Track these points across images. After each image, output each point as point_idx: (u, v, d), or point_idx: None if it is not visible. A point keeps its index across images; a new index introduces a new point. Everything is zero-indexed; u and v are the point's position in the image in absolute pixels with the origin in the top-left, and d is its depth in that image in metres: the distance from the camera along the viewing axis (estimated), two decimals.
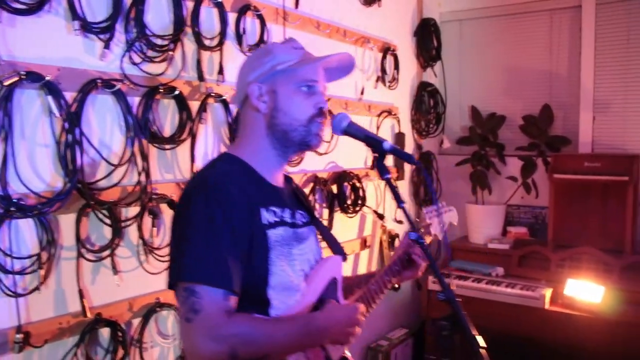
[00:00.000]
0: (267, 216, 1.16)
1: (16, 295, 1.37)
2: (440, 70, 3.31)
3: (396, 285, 1.48)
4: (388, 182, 1.15)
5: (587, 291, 2.47)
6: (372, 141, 1.17)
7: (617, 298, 2.42)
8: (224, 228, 1.06)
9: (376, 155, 1.17)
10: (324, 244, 1.40)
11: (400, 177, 2.96)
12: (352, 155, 2.57)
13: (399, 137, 2.92)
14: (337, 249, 1.39)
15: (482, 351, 1.06)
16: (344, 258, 1.39)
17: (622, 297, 2.42)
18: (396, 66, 2.89)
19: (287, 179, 1.37)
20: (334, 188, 2.40)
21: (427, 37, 3.15)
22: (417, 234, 1.10)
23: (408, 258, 1.42)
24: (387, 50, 2.80)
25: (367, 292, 1.35)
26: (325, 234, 1.40)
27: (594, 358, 2.49)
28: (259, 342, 1.04)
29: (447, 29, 3.34)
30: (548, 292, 2.54)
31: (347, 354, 1.34)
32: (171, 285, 1.08)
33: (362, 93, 2.64)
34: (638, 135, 2.81)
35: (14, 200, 1.34)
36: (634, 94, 2.81)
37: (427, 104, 3.21)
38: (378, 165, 1.16)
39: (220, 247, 1.06)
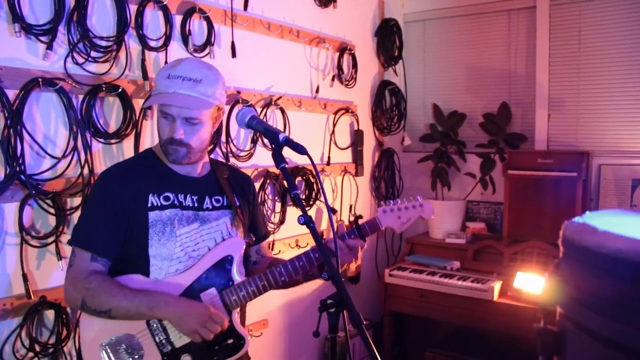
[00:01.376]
0: (153, 200, 1.43)
1: None
2: (402, 69, 3.40)
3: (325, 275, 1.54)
4: (283, 170, 1.26)
5: (533, 283, 2.55)
6: (270, 134, 1.29)
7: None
8: (101, 206, 1.40)
9: (273, 146, 1.27)
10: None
11: (359, 173, 3.06)
12: (284, 156, 2.66)
13: (358, 134, 3.02)
14: (256, 230, 1.63)
15: (363, 327, 1.15)
16: (257, 241, 1.62)
17: None
18: (354, 65, 2.99)
19: (214, 168, 1.57)
20: (286, 183, 2.50)
21: (388, 37, 3.25)
22: (305, 218, 1.20)
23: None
24: (344, 49, 2.90)
25: (269, 272, 1.46)
26: (246, 217, 1.59)
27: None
28: (102, 298, 1.34)
29: (411, 29, 3.44)
30: (497, 285, 2.62)
31: (236, 324, 1.47)
32: (70, 245, 1.45)
33: (317, 91, 2.74)
34: (590, 133, 2.89)
35: None
36: (586, 92, 2.89)
37: (389, 102, 3.30)
38: (275, 155, 1.27)
39: (95, 220, 1.40)
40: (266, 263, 1.63)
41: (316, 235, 1.21)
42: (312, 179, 2.62)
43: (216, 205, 1.52)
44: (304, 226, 1.21)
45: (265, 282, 1.46)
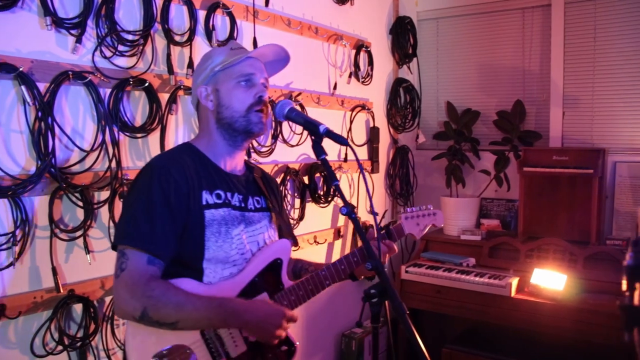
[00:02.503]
0: (208, 198, 1.32)
1: None
2: (416, 66, 3.41)
3: (355, 275, 1.55)
4: (324, 162, 1.26)
5: (551, 280, 2.56)
6: (310, 125, 1.28)
7: (579, 286, 2.51)
8: (159, 202, 1.23)
9: (313, 137, 1.27)
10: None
11: (375, 170, 3.06)
12: (324, 148, 2.67)
13: (373, 131, 3.02)
14: (287, 234, 1.54)
15: (406, 316, 1.16)
16: (294, 243, 1.53)
17: (584, 285, 2.51)
18: (370, 63, 3.00)
19: (250, 168, 1.52)
20: (306, 179, 2.50)
21: (402, 35, 3.26)
22: (347, 208, 1.21)
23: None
24: (360, 47, 2.91)
25: (315, 276, 1.44)
26: (280, 220, 1.53)
27: (556, 343, 2.58)
28: (168, 308, 1.18)
29: (424, 27, 3.45)
30: (515, 281, 2.63)
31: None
32: (113, 247, 1.29)
33: (334, 88, 2.74)
34: (604, 130, 2.90)
35: None
36: (601, 90, 2.90)
37: (403, 100, 3.31)
38: (315, 147, 1.27)
39: (152, 217, 1.22)
40: (291, 265, 1.59)
41: (357, 225, 1.21)
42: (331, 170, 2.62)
43: (257, 206, 1.45)
44: (345, 216, 1.21)
45: (313, 286, 1.42)
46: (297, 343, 1.45)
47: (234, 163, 1.44)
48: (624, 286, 0.60)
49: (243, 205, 1.40)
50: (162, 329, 1.21)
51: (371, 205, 1.24)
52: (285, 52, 1.44)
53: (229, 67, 1.35)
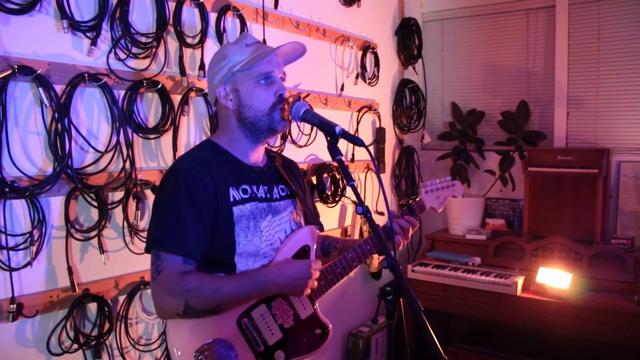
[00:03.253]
0: (234, 194, 1.35)
1: (10, 269, 1.51)
2: (422, 67, 3.44)
3: (380, 267, 1.58)
4: (340, 162, 1.28)
5: (556, 278, 2.58)
6: (326, 126, 1.30)
7: (584, 285, 2.53)
8: (188, 205, 1.27)
9: (329, 138, 1.30)
10: None
11: (381, 170, 3.09)
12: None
13: (380, 131, 3.05)
14: (313, 219, 1.56)
15: (421, 313, 1.18)
16: (320, 228, 1.57)
17: (589, 284, 2.54)
18: (376, 64, 3.02)
19: (270, 157, 1.55)
20: (314, 179, 2.53)
21: (408, 36, 3.28)
22: (363, 208, 1.23)
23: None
24: (367, 48, 2.93)
25: (342, 259, 1.47)
26: (305, 205, 1.55)
27: (561, 341, 2.60)
28: (208, 295, 1.23)
29: (429, 28, 3.47)
30: (520, 280, 2.65)
31: (319, 312, 1.46)
32: (147, 251, 1.33)
33: (342, 89, 2.77)
34: (609, 130, 2.92)
35: (8, 183, 1.49)
36: (605, 90, 2.92)
37: (409, 101, 3.34)
38: (331, 147, 1.29)
39: (183, 221, 1.27)
40: (319, 243, 1.61)
41: (373, 224, 1.23)
42: (337, 176, 2.64)
43: (282, 194, 1.47)
44: (361, 215, 1.24)
45: (341, 269, 1.45)
46: (330, 326, 1.48)
47: (257, 156, 1.46)
48: None
49: (269, 195, 1.43)
50: (207, 316, 1.26)
51: (385, 200, 1.25)
52: (302, 47, 1.47)
53: (248, 68, 1.37)
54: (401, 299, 1.23)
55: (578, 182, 2.79)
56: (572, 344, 2.60)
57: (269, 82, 1.38)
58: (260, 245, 1.36)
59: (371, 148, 3.06)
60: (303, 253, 1.44)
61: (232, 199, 1.33)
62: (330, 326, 1.48)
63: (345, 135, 1.28)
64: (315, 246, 1.48)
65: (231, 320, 1.31)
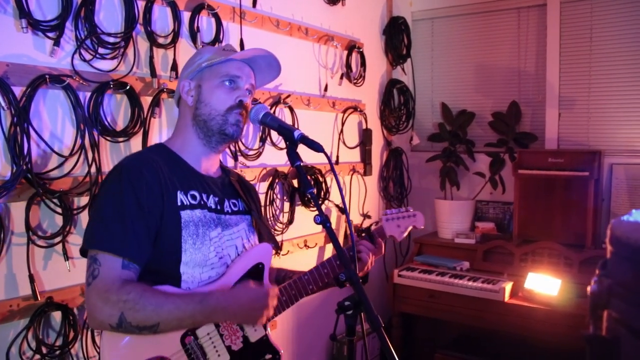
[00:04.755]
0: (182, 198, 1.27)
1: None
2: (411, 67, 3.37)
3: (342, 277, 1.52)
4: (298, 169, 1.22)
5: (545, 284, 2.52)
6: (285, 131, 1.25)
7: (573, 291, 2.47)
8: (131, 204, 1.18)
9: (287, 143, 1.24)
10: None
11: (368, 172, 3.02)
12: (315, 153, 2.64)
13: (366, 133, 2.98)
14: (268, 238, 1.48)
15: (382, 330, 1.12)
16: (276, 248, 1.49)
17: (578, 290, 2.47)
18: (362, 63, 2.96)
19: (225, 171, 1.48)
20: (295, 182, 2.47)
21: (396, 35, 3.21)
22: (321, 217, 1.17)
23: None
24: (352, 48, 2.87)
25: (297, 280, 1.42)
26: (260, 225, 1.48)
27: (550, 348, 2.54)
28: (147, 310, 1.11)
29: (419, 27, 3.40)
30: (508, 286, 2.59)
31: (270, 336, 1.39)
32: (82, 252, 1.22)
33: (325, 90, 2.70)
34: (601, 132, 2.85)
35: None
36: (597, 91, 2.85)
37: (397, 101, 3.27)
38: (289, 153, 1.23)
39: (124, 220, 1.17)
40: (274, 272, 1.55)
41: (332, 234, 1.17)
42: (320, 178, 2.58)
43: (234, 209, 1.40)
44: (320, 225, 1.17)
45: (296, 292, 1.39)
46: (282, 351, 1.41)
47: (209, 165, 1.39)
48: (589, 314, 0.56)
49: (219, 207, 1.35)
50: (143, 334, 1.14)
51: (346, 214, 1.19)
52: (275, 60, 1.41)
53: (216, 64, 1.32)
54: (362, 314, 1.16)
55: (569, 185, 2.72)
56: (561, 352, 2.52)
57: (233, 86, 1.33)
58: (209, 254, 1.27)
59: (357, 150, 2.99)
60: (256, 271, 1.36)
61: (179, 203, 1.25)
62: (282, 351, 1.40)
63: (304, 140, 1.22)
64: (269, 265, 1.41)
65: (175, 337, 1.21)
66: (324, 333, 2.80)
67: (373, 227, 1.60)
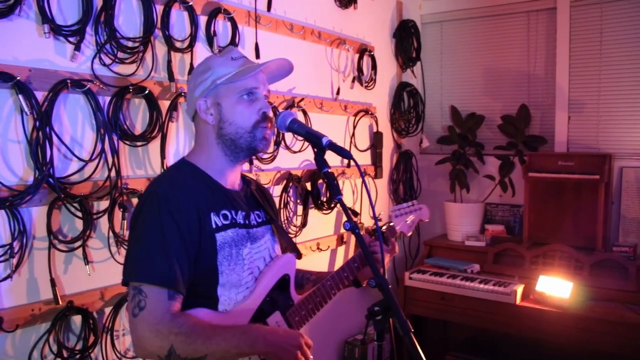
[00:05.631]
0: (216, 220, 1.26)
1: None
2: (420, 70, 3.38)
3: (359, 281, 1.54)
4: (327, 175, 1.23)
5: (556, 287, 2.52)
6: (312, 137, 1.25)
7: (585, 294, 2.47)
8: (172, 234, 1.17)
9: (315, 150, 1.24)
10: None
11: (378, 175, 3.03)
12: (327, 154, 2.64)
13: (377, 136, 2.99)
14: (291, 247, 1.48)
15: (411, 334, 1.13)
16: (298, 256, 1.48)
17: (590, 293, 2.48)
18: (373, 67, 2.97)
19: (246, 181, 1.46)
20: (308, 185, 2.48)
21: (406, 39, 3.22)
22: (351, 224, 1.17)
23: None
24: (363, 51, 2.88)
25: (321, 287, 1.43)
26: (281, 233, 1.48)
27: (561, 351, 2.55)
28: (197, 343, 1.12)
29: (428, 30, 3.41)
30: (520, 288, 2.59)
31: None
32: (124, 283, 1.20)
33: (337, 93, 2.71)
34: (611, 135, 2.86)
35: None
36: (607, 94, 2.86)
37: (407, 104, 3.28)
38: (318, 159, 1.24)
39: (168, 251, 1.16)
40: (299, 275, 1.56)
41: (361, 240, 1.18)
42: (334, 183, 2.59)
43: (259, 220, 1.39)
44: (349, 231, 1.18)
45: (320, 298, 1.40)
46: None
47: (234, 177, 1.37)
48: None
49: (247, 222, 1.34)
50: None
51: (375, 220, 1.19)
52: (289, 64, 1.39)
53: (232, 82, 1.29)
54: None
55: (579, 188, 2.73)
56: (573, 355, 2.54)
57: (252, 99, 1.29)
58: (243, 274, 1.28)
59: (368, 153, 3.00)
60: (283, 282, 1.38)
61: (214, 225, 1.24)
62: None
63: (332, 146, 1.23)
64: (294, 275, 1.43)
65: None
66: (335, 335, 2.81)
67: (383, 228, 1.60)
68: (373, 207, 1.16)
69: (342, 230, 2.82)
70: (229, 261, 1.25)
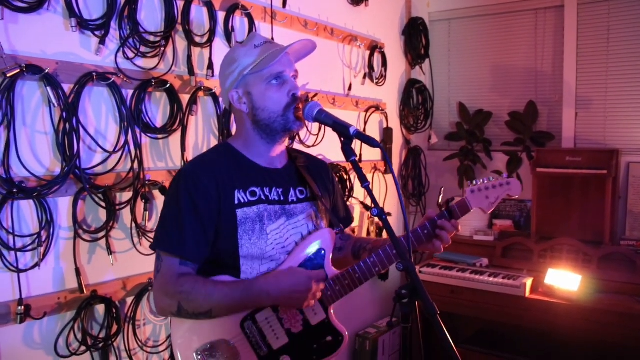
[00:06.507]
0: (240, 197, 1.34)
1: (18, 270, 1.50)
2: (429, 67, 3.42)
3: (400, 266, 1.46)
4: (354, 163, 1.26)
5: (565, 280, 2.56)
6: (340, 127, 1.28)
7: (593, 286, 2.51)
8: (187, 209, 1.29)
9: (343, 139, 1.28)
10: None
11: (388, 170, 3.06)
12: (334, 152, 2.68)
13: (387, 132, 3.03)
14: (334, 221, 1.50)
15: (437, 316, 1.16)
16: (340, 229, 1.49)
17: (598, 286, 2.52)
18: (384, 64, 3.00)
19: (293, 158, 1.49)
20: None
21: (415, 36, 3.26)
22: (378, 210, 1.21)
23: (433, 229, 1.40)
24: (374, 48, 2.91)
25: (363, 264, 1.38)
26: (330, 207, 1.51)
27: (570, 343, 2.58)
28: (199, 299, 1.25)
29: (436, 28, 3.45)
30: (529, 282, 2.63)
31: (333, 319, 1.41)
32: (152, 249, 1.38)
33: (349, 89, 2.75)
34: (618, 131, 2.90)
35: (16, 183, 1.47)
36: (614, 90, 2.90)
37: (416, 101, 3.32)
38: (345, 148, 1.27)
39: (181, 224, 1.29)
40: (350, 246, 1.57)
41: (388, 225, 1.21)
42: (345, 176, 2.62)
43: (300, 197, 1.44)
44: (376, 217, 1.22)
45: (360, 274, 1.38)
46: (346, 334, 1.43)
47: (274, 157, 1.42)
48: None
49: (283, 198, 1.40)
50: (200, 319, 1.28)
51: (404, 214, 1.22)
52: (312, 44, 1.44)
53: (259, 70, 1.34)
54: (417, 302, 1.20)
55: (587, 183, 2.77)
56: (581, 347, 2.57)
57: (280, 82, 1.35)
58: (266, 248, 1.34)
59: (378, 148, 3.03)
60: (318, 255, 1.40)
61: (236, 202, 1.33)
62: (346, 334, 1.43)
63: (360, 135, 1.26)
64: (330, 250, 1.43)
65: (235, 321, 1.32)
66: (347, 325, 2.84)
67: (453, 202, 1.45)
68: (400, 197, 1.19)
69: (354, 225, 2.85)
70: (250, 235, 1.32)
